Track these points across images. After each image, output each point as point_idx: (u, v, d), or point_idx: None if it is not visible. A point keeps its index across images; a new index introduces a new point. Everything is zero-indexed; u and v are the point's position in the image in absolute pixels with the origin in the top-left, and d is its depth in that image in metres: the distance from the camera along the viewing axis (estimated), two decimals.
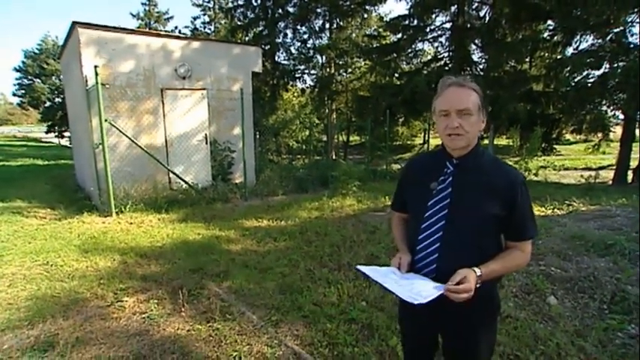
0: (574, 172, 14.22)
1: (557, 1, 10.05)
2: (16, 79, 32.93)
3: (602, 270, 3.25)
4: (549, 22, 11.95)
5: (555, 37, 11.77)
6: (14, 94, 35.13)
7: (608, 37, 9.95)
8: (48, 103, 31.40)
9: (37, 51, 32.18)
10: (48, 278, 3.44)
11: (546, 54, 12.86)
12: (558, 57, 11.92)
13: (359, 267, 1.29)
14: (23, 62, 32.21)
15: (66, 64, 8.07)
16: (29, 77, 32.46)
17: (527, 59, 13.26)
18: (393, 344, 2.38)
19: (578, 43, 11.06)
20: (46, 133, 32.56)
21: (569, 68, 10.56)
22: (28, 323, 2.69)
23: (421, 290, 1.12)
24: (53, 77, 31.07)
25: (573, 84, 10.67)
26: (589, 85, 10.29)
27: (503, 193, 1.19)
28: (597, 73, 10.30)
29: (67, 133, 27.18)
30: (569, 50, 11.54)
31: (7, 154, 18.03)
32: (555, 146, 15.17)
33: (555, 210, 5.63)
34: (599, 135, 11.14)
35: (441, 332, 1.38)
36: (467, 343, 1.30)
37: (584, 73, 10.70)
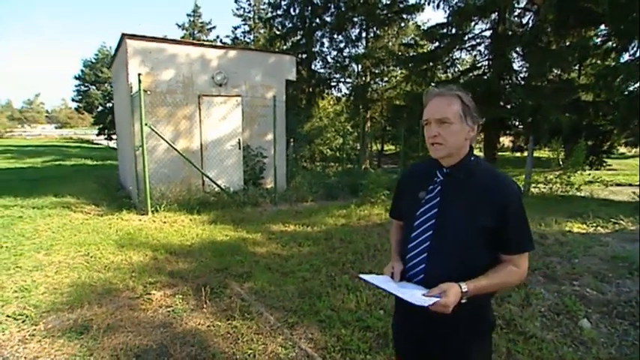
0: (628, 188, 13.14)
1: (610, 5, 9.44)
2: (75, 86, 36.05)
3: None
4: (601, 27, 11.23)
5: (608, 43, 11.03)
6: (73, 100, 38.39)
7: None
8: (100, 108, 34.01)
9: (94, 60, 35.03)
10: (87, 268, 3.73)
11: (598, 61, 12.09)
12: (611, 64, 11.16)
13: (361, 275, 1.31)
14: (82, 71, 35.19)
15: (115, 72, 8.72)
16: (86, 84, 35.39)
17: (575, 67, 12.54)
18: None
19: (635, 49, 10.29)
20: (97, 135, 35.24)
21: (621, 76, 9.84)
22: (68, 307, 2.95)
23: (420, 297, 1.12)
24: (106, 84, 33.60)
25: (626, 93, 9.91)
26: None
27: (494, 204, 1.15)
28: None
29: (114, 136, 29.27)
30: (625, 57, 10.76)
31: (63, 154, 19.66)
32: (606, 160, 14.13)
33: (598, 228, 5.25)
34: None
35: (432, 351, 1.32)
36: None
37: None
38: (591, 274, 3.42)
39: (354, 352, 2.40)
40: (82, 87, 35.69)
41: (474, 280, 1.12)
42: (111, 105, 30.51)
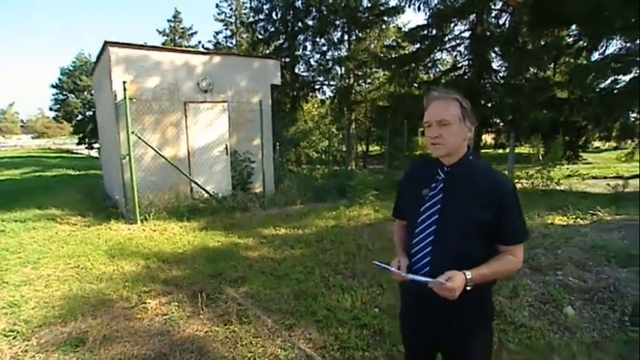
0: (603, 180, 13.66)
1: (580, 6, 9.85)
2: (53, 94, 35.11)
3: (623, 281, 3.17)
4: (573, 27, 11.69)
5: (580, 43, 11.51)
6: (51, 109, 37.36)
7: (638, 41, 9.63)
8: (80, 117, 33.23)
9: (71, 68, 34.21)
10: (79, 280, 3.68)
11: (571, 60, 12.58)
12: (584, 62, 11.63)
13: (375, 262, 1.42)
14: (59, 79, 34.30)
15: (97, 80, 8.58)
16: (64, 93, 34.50)
17: (550, 66, 13.01)
18: (403, 349, 2.40)
19: (604, 48, 10.77)
20: (77, 144, 34.41)
21: (593, 74, 10.28)
22: (61, 320, 2.91)
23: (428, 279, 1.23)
24: (85, 92, 32.90)
25: (598, 90, 10.36)
26: (615, 91, 9.97)
27: (491, 200, 1.25)
28: (626, 78, 9.98)
29: (96, 145, 28.69)
30: (595, 55, 11.25)
31: (43, 165, 19.09)
32: (582, 154, 14.66)
33: (577, 219, 5.48)
34: (630, 142, 10.71)
35: (437, 335, 1.42)
36: (459, 346, 1.36)
37: (612, 79, 10.38)
38: (573, 263, 3.58)
39: (353, 350, 2.46)
40: (60, 95, 34.78)
41: (477, 269, 1.22)
42: (91, 113, 29.86)
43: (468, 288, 1.19)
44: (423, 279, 1.22)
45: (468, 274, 1.20)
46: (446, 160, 1.32)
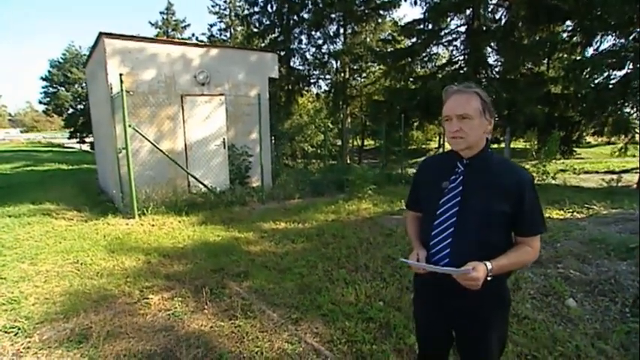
0: (595, 175, 13.86)
1: (576, 2, 9.90)
2: (42, 87, 34.34)
3: (623, 273, 3.21)
4: (568, 22, 11.76)
5: (574, 38, 11.58)
6: (40, 102, 36.60)
7: (632, 37, 9.72)
8: (71, 110, 32.63)
9: (61, 60, 33.47)
10: (79, 276, 3.63)
11: (565, 55, 12.66)
12: (577, 58, 11.71)
13: (401, 259, 1.43)
14: (49, 71, 33.54)
15: (91, 72, 8.42)
16: (54, 85, 33.77)
17: (544, 61, 13.08)
18: (410, 342, 2.42)
19: (598, 44, 10.85)
20: (69, 138, 33.84)
21: (588, 69, 10.35)
22: (63, 317, 2.86)
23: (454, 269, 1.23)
24: (76, 85, 32.27)
25: (593, 85, 10.45)
26: (610, 86, 10.06)
27: (510, 191, 1.26)
28: (620, 73, 10.08)
29: (88, 139, 28.26)
30: (590, 51, 11.33)
31: (34, 159, 18.77)
32: (575, 149, 14.83)
33: (574, 213, 5.55)
34: (623, 137, 10.83)
35: (453, 327, 1.43)
36: (478, 336, 1.36)
37: (605, 74, 10.46)
38: (573, 256, 3.62)
39: (360, 343, 2.46)
40: (50, 88, 34.05)
41: (496, 260, 1.23)
42: (82, 107, 29.36)
43: (489, 279, 1.20)
44: (447, 269, 1.23)
45: (489, 264, 1.21)
46: (464, 153, 1.32)
